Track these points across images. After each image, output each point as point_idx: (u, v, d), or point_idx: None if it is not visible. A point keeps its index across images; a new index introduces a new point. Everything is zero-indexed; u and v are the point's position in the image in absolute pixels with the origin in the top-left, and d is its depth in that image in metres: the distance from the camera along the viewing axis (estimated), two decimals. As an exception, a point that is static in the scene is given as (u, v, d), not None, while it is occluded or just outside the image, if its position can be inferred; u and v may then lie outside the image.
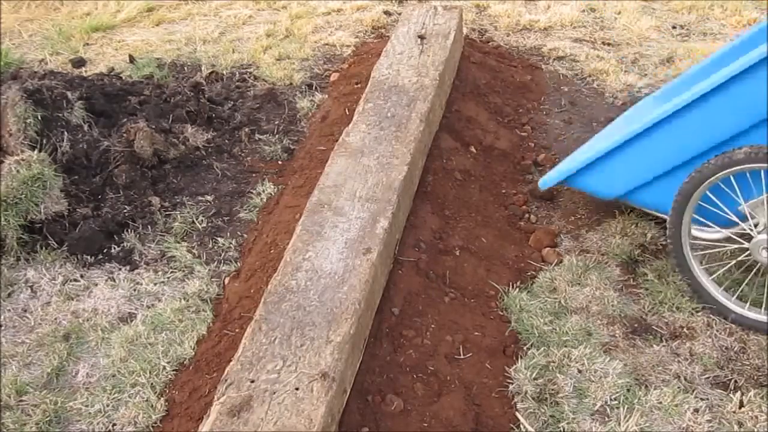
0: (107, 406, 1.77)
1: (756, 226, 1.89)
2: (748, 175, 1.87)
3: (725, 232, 1.97)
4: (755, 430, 1.68)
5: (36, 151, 2.33)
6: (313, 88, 3.08)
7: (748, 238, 1.91)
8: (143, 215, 2.36)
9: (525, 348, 1.90)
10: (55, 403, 1.78)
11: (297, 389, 1.50)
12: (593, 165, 2.18)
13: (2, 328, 2.01)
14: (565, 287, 2.08)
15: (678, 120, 1.97)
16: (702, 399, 1.76)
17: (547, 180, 2.31)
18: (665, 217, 2.05)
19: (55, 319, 2.03)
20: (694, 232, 2.01)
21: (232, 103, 2.95)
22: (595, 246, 2.25)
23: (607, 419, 1.72)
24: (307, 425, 1.43)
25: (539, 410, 1.73)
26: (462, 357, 1.85)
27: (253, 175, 2.58)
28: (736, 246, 1.95)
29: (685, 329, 1.95)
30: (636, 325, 1.98)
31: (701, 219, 1.98)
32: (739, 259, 1.95)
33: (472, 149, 2.64)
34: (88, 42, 3.51)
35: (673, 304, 2.03)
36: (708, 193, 1.93)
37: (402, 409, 1.68)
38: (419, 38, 2.79)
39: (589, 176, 2.22)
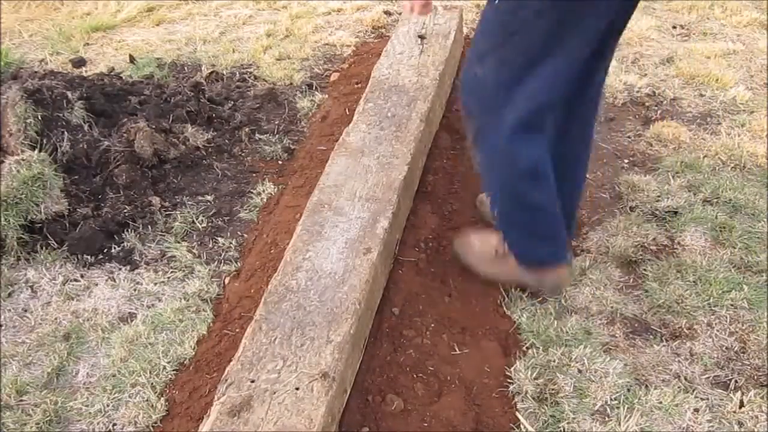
0: (107, 405, 1.77)
1: None
2: None
3: None
4: (755, 430, 1.69)
5: (36, 151, 2.33)
6: (313, 88, 3.08)
7: None
8: (143, 215, 2.36)
9: (525, 348, 1.90)
10: (56, 403, 1.78)
11: (297, 389, 1.50)
12: None
13: (2, 328, 2.01)
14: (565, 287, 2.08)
15: None
16: (702, 399, 1.76)
17: None
18: None
19: (56, 319, 2.03)
20: None
21: (232, 103, 2.95)
22: (595, 246, 2.25)
23: (607, 419, 1.72)
24: (307, 425, 1.43)
25: (539, 410, 1.73)
26: (462, 357, 1.85)
27: (254, 175, 2.58)
28: None
29: (685, 329, 1.95)
30: (636, 325, 1.98)
31: None
32: None
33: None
34: (88, 42, 3.51)
35: (674, 304, 2.03)
36: None
37: (402, 408, 1.69)
38: (419, 38, 2.79)
39: None
